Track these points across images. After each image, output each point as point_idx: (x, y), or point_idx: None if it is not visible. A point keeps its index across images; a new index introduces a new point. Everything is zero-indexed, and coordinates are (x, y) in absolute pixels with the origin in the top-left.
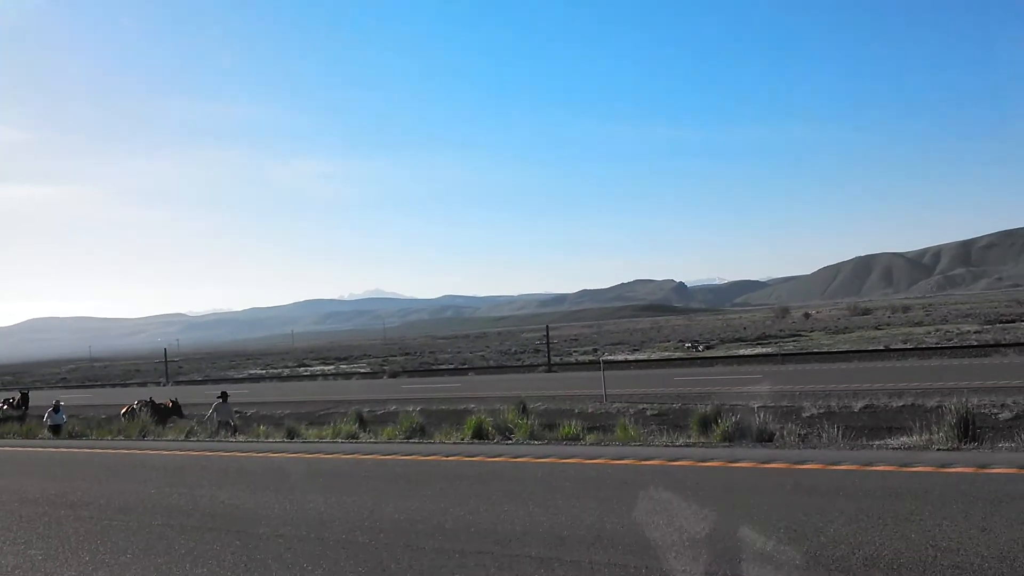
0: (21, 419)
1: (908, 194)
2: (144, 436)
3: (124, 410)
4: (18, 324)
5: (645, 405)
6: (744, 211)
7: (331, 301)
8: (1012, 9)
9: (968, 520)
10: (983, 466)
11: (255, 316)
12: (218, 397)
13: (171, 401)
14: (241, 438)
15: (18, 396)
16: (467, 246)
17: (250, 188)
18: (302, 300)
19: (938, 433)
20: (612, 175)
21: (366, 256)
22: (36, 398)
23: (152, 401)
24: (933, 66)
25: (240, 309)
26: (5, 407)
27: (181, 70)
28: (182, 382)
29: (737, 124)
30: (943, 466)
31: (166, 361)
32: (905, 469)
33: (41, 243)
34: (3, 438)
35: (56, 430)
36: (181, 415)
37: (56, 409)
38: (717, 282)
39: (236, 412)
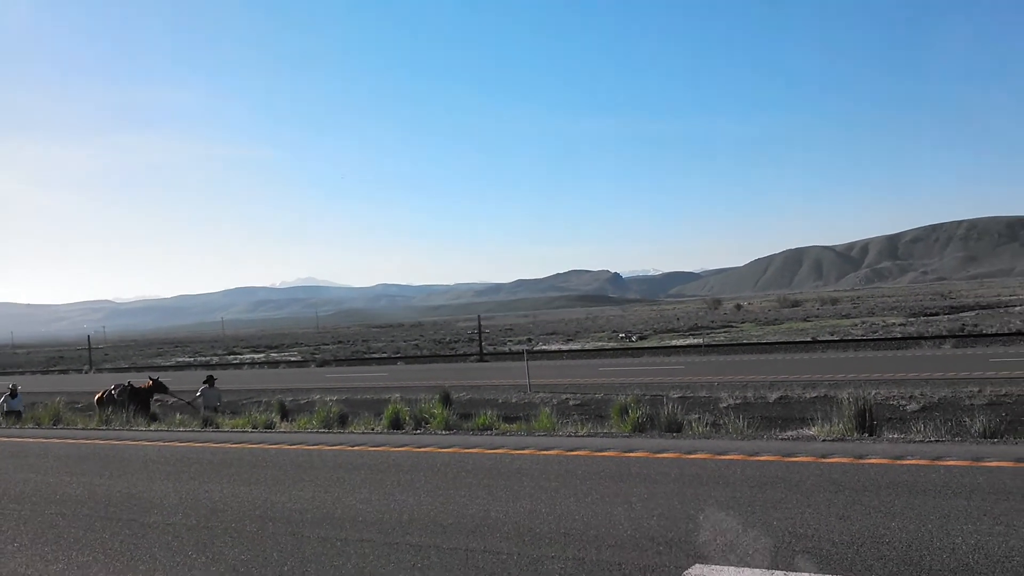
0: None
1: (838, 189)
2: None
3: (97, 397)
4: None
5: (568, 395)
6: (680, 203)
7: (263, 289)
8: (948, 9)
9: (830, 508)
10: (860, 457)
11: (184, 303)
12: (204, 382)
13: (151, 380)
14: (153, 426)
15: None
16: (403, 235)
17: (180, 173)
18: (233, 288)
19: (838, 424)
20: (550, 165)
21: (299, 244)
22: None
23: (131, 385)
24: (863, 64)
25: (169, 296)
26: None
27: (100, 54)
28: (106, 369)
29: (674, 116)
30: (823, 456)
31: (89, 348)
32: (786, 459)
33: None
34: None
35: (16, 416)
36: (166, 391)
37: (13, 394)
38: (652, 273)
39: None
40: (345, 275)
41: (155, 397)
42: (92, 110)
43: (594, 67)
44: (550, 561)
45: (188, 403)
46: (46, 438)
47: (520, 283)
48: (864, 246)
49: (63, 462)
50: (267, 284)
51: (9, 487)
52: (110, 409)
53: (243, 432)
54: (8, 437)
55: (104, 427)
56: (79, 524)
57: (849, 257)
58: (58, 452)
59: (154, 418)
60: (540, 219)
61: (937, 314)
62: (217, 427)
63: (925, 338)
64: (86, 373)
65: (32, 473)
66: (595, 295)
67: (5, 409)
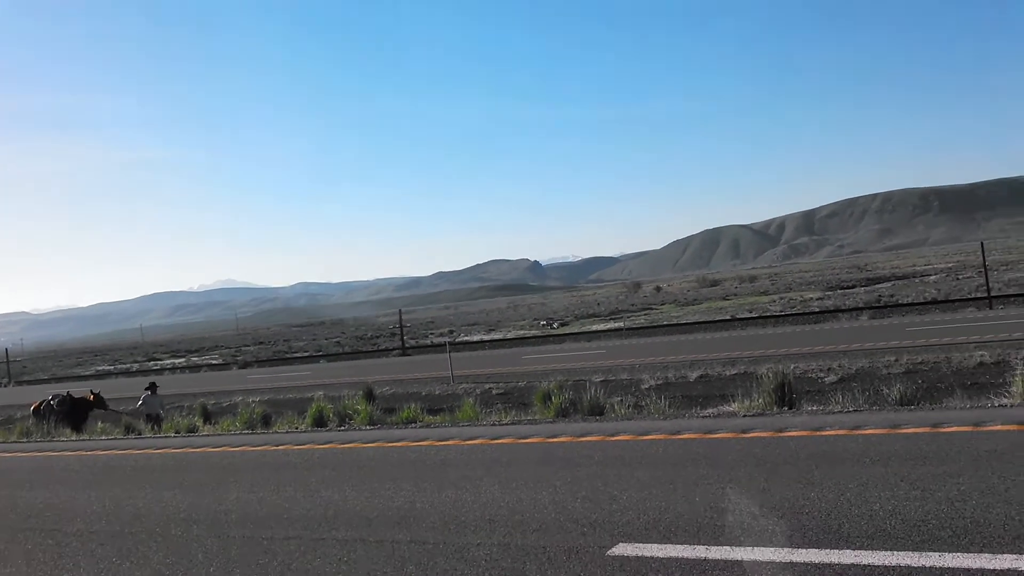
0: None
1: (753, 167)
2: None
3: (34, 407)
4: None
5: (491, 385)
6: (595, 189)
7: (181, 293)
8: None
9: (751, 482)
10: (780, 430)
11: (102, 311)
12: (146, 388)
13: (92, 394)
14: (73, 436)
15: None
16: (319, 232)
17: (93, 179)
18: (150, 293)
19: (758, 399)
20: (463, 155)
21: (216, 246)
22: None
23: (70, 395)
24: (771, 36)
25: (86, 305)
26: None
27: (6, 57)
28: (26, 382)
29: (589, 100)
30: (744, 432)
31: (8, 361)
32: (708, 436)
33: None
34: None
35: None
36: (105, 407)
37: None
38: (571, 259)
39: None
40: (264, 275)
41: (93, 411)
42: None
43: (507, 51)
44: (475, 548)
45: (127, 414)
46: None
47: (440, 275)
48: (781, 223)
49: None
50: (185, 288)
51: None
52: (49, 419)
53: (166, 437)
54: None
55: (24, 439)
56: (1, 536)
57: (766, 235)
58: None
59: (127, 429)
60: (457, 210)
61: (854, 287)
62: (139, 434)
63: (842, 311)
64: (5, 386)
65: None
66: (516, 284)
67: None
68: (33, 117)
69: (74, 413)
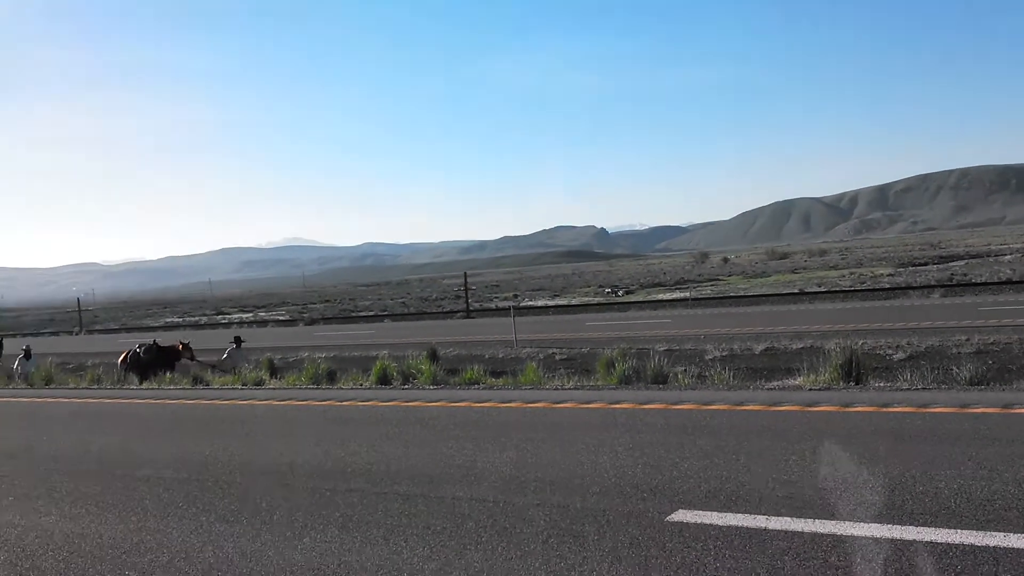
0: None
1: (827, 140)
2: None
3: (121, 358)
4: None
5: (555, 350)
6: (666, 157)
7: (249, 249)
8: None
9: (815, 456)
10: (846, 405)
11: (171, 265)
12: (231, 342)
13: (181, 343)
14: (144, 385)
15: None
16: (388, 193)
17: (167, 134)
18: (219, 248)
19: (824, 374)
20: (534, 121)
21: (284, 203)
22: None
23: (157, 344)
24: (853, 9)
25: (155, 258)
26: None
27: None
28: (97, 330)
29: (660, 69)
30: (809, 405)
31: (79, 310)
32: (772, 408)
33: None
34: None
35: (26, 378)
36: (193, 357)
37: (27, 356)
38: (638, 228)
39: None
40: (331, 234)
41: (181, 360)
42: (81, 68)
43: (577, 19)
44: (535, 509)
45: (214, 366)
46: (40, 398)
47: (506, 240)
48: (853, 197)
49: (56, 420)
50: (253, 244)
51: (2, 445)
52: (137, 372)
53: (233, 389)
54: (3, 397)
55: (95, 386)
56: (72, 478)
57: (838, 208)
58: (51, 411)
59: (195, 379)
60: (526, 175)
61: (926, 264)
62: (207, 385)
63: (913, 288)
64: (76, 335)
65: (26, 431)
66: (581, 251)
67: (20, 371)
68: (110, 72)
69: (160, 361)
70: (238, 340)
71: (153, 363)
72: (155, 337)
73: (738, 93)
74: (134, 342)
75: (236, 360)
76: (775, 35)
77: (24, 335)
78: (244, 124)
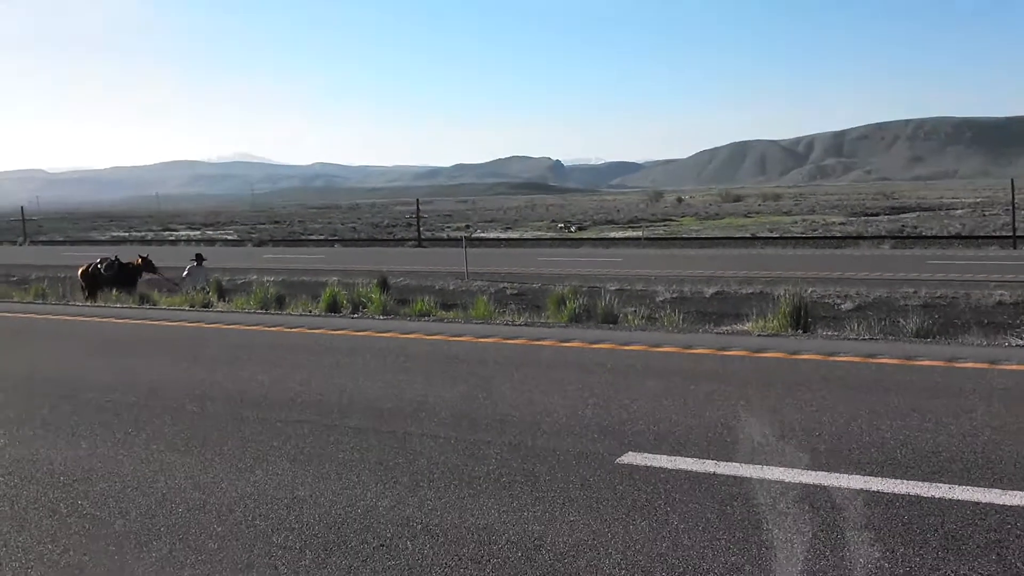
0: None
1: (786, 83)
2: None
3: (82, 270)
4: None
5: (506, 284)
6: (624, 91)
7: (198, 163)
8: None
9: (763, 402)
10: (794, 352)
11: (118, 176)
12: (192, 259)
13: (140, 258)
14: (88, 302)
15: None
16: (340, 111)
17: (118, 37)
18: (168, 160)
19: (773, 320)
20: (490, 46)
21: (235, 116)
22: None
23: (118, 260)
24: None
25: (103, 167)
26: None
27: None
28: (41, 242)
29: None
30: (758, 351)
31: (23, 219)
32: (721, 352)
33: None
34: None
35: None
36: (155, 271)
37: None
38: (594, 162)
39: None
40: (282, 152)
41: (143, 276)
42: None
43: None
44: (486, 446)
45: (175, 283)
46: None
47: (460, 167)
48: (810, 142)
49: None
50: (203, 158)
51: None
52: (94, 285)
53: (180, 311)
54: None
55: (40, 301)
56: (17, 400)
57: (795, 153)
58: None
59: (142, 298)
60: (482, 101)
61: (878, 214)
62: (155, 305)
63: (864, 238)
64: (20, 245)
65: None
66: (536, 183)
67: None
68: None
69: (122, 278)
70: (199, 257)
71: (115, 280)
72: (115, 253)
73: (700, 30)
74: (79, 255)
75: (197, 278)
76: None
77: None
78: (197, 29)
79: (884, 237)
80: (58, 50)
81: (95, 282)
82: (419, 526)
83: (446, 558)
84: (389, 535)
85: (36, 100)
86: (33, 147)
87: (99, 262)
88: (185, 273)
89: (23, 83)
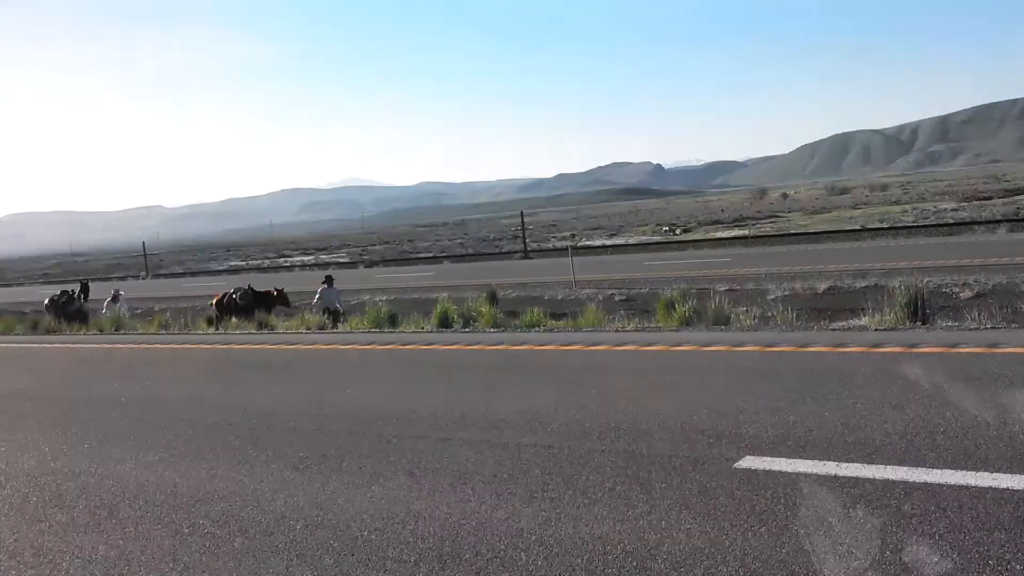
0: (79, 314)
1: (885, 69)
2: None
3: (216, 299)
4: None
5: (614, 291)
6: (721, 90)
7: (309, 190)
8: None
9: (883, 399)
10: (913, 346)
11: (233, 208)
12: (323, 282)
13: (276, 291)
14: (210, 330)
15: (77, 288)
16: (442, 130)
17: (224, 74)
18: (279, 190)
19: (889, 314)
20: (586, 55)
21: (343, 143)
22: (33, 292)
23: (251, 288)
24: None
25: (217, 200)
26: (62, 299)
27: None
28: (162, 274)
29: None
30: (875, 346)
31: (145, 255)
32: (838, 350)
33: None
34: (54, 333)
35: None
36: (287, 304)
37: (115, 299)
38: (695, 163)
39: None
40: (388, 173)
41: (275, 307)
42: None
43: None
44: (600, 455)
45: (308, 309)
46: (109, 343)
47: (562, 177)
48: (914, 129)
49: (125, 366)
50: (313, 185)
51: (77, 391)
52: (232, 313)
53: (297, 334)
54: (75, 343)
55: (163, 331)
56: (144, 426)
57: (898, 141)
58: (122, 357)
59: (260, 324)
60: (581, 110)
61: (991, 198)
62: (272, 329)
63: (978, 223)
64: (143, 279)
65: (97, 377)
66: (638, 188)
67: (106, 313)
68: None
69: (256, 307)
70: (329, 279)
71: (248, 308)
72: (249, 282)
73: (796, 22)
74: (199, 286)
75: (328, 300)
76: None
77: (94, 280)
78: (302, 62)
79: (999, 221)
80: (173, 89)
81: (229, 311)
82: (533, 537)
83: (560, 569)
84: (503, 547)
85: (152, 138)
86: (152, 185)
87: (233, 292)
88: (316, 297)
89: (139, 122)
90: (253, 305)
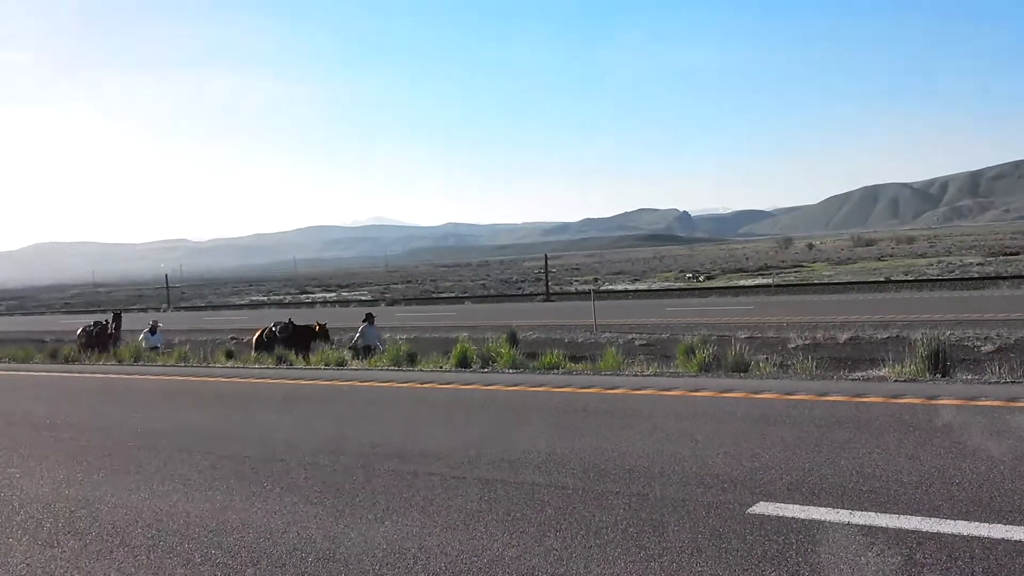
0: (104, 343)
1: (916, 123)
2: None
3: (256, 336)
4: (22, 248)
5: (635, 335)
6: (750, 139)
7: (334, 228)
8: None
9: (900, 449)
10: (932, 398)
11: (258, 242)
12: (363, 320)
13: (319, 324)
14: (229, 363)
15: (110, 318)
16: (470, 173)
17: (255, 111)
18: (305, 227)
19: (910, 365)
20: (616, 101)
21: (370, 182)
22: (55, 321)
23: (292, 322)
24: None
25: (243, 235)
26: (95, 329)
27: None
28: (183, 307)
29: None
30: (894, 397)
31: (167, 286)
32: (856, 399)
33: (43, 166)
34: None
35: (155, 352)
36: (328, 339)
37: (153, 331)
38: (721, 211)
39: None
40: (414, 214)
41: (315, 342)
42: (170, 44)
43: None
44: (614, 496)
45: (350, 347)
46: (127, 374)
47: (587, 222)
48: (944, 183)
49: (143, 396)
50: (338, 223)
51: (94, 420)
52: (272, 347)
53: (315, 369)
54: (93, 373)
55: (182, 364)
56: (160, 456)
57: (927, 194)
58: (140, 387)
59: (279, 359)
60: (608, 157)
61: (1018, 253)
62: (290, 364)
63: (1004, 278)
64: (164, 311)
65: (115, 407)
66: (663, 234)
67: (145, 346)
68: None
69: (296, 340)
70: (370, 317)
71: (288, 341)
72: (290, 316)
73: (828, 76)
74: (219, 320)
75: (369, 338)
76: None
77: (115, 311)
78: (332, 103)
79: None
80: (200, 124)
81: (269, 345)
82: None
83: None
84: None
85: (180, 172)
86: (178, 218)
87: (273, 325)
88: (357, 335)
89: (168, 155)
90: (292, 337)
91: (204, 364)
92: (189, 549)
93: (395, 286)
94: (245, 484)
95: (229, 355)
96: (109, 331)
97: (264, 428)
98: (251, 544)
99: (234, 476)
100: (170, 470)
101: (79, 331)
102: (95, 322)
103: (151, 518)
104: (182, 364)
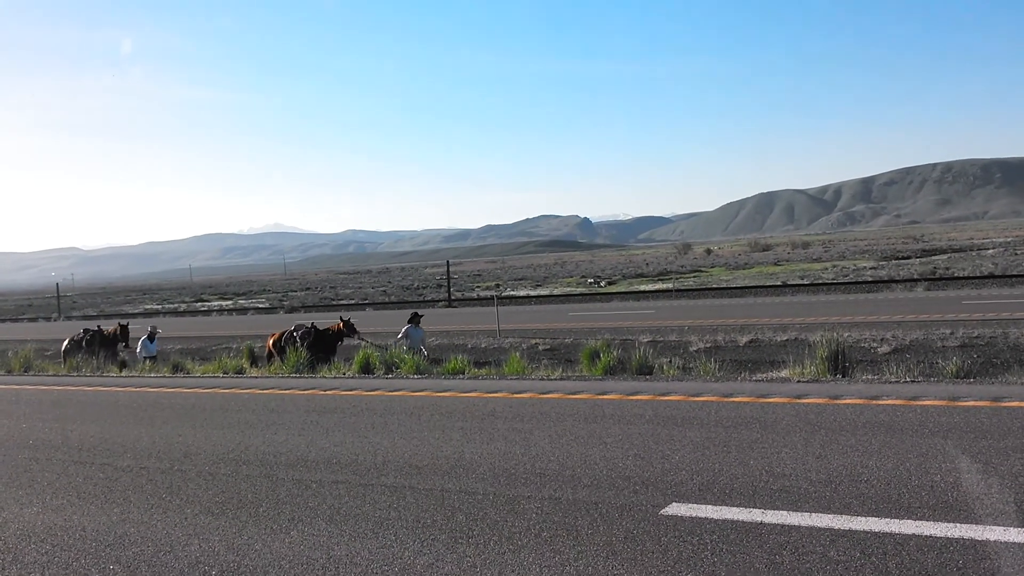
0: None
1: (812, 132)
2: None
3: (272, 340)
4: None
5: (538, 340)
6: (650, 147)
7: (230, 235)
8: None
9: (807, 448)
10: (835, 397)
11: (152, 251)
12: (408, 321)
13: (341, 321)
14: (123, 372)
15: (116, 327)
16: (369, 180)
17: (149, 116)
18: (200, 234)
19: (810, 366)
20: (517, 109)
21: (266, 189)
22: None
23: (314, 326)
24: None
25: (136, 243)
26: (84, 338)
27: None
28: (75, 316)
29: (645, 57)
30: (798, 397)
31: (58, 295)
32: (761, 400)
33: None
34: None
35: (152, 361)
36: (356, 333)
37: (151, 338)
38: (622, 218)
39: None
40: (313, 221)
41: (342, 341)
42: (62, 47)
43: (563, 7)
44: (526, 501)
45: (384, 347)
46: (18, 384)
47: (489, 229)
48: (837, 189)
49: (35, 408)
50: (235, 230)
51: None
52: (292, 350)
53: (214, 377)
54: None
55: (75, 373)
56: (53, 468)
57: (822, 200)
58: (29, 398)
59: (176, 367)
60: (509, 164)
61: (909, 257)
62: (187, 372)
63: (896, 281)
64: (54, 320)
65: (3, 419)
66: (564, 240)
67: (142, 355)
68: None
69: (321, 345)
70: (415, 317)
71: (313, 347)
72: (311, 320)
73: (724, 85)
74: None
75: (414, 341)
76: (761, 29)
77: (2, 320)
78: (228, 109)
79: (916, 280)
80: (90, 131)
81: (287, 352)
82: None
83: None
84: None
85: (70, 178)
86: (68, 226)
87: (293, 329)
88: (400, 335)
89: (57, 161)
90: (316, 342)
91: (97, 373)
92: (86, 565)
93: (294, 293)
94: (143, 496)
95: (123, 365)
96: (114, 338)
97: (161, 438)
98: (151, 558)
99: (131, 487)
100: (64, 483)
101: (66, 344)
102: (84, 330)
103: (44, 532)
104: (74, 373)
